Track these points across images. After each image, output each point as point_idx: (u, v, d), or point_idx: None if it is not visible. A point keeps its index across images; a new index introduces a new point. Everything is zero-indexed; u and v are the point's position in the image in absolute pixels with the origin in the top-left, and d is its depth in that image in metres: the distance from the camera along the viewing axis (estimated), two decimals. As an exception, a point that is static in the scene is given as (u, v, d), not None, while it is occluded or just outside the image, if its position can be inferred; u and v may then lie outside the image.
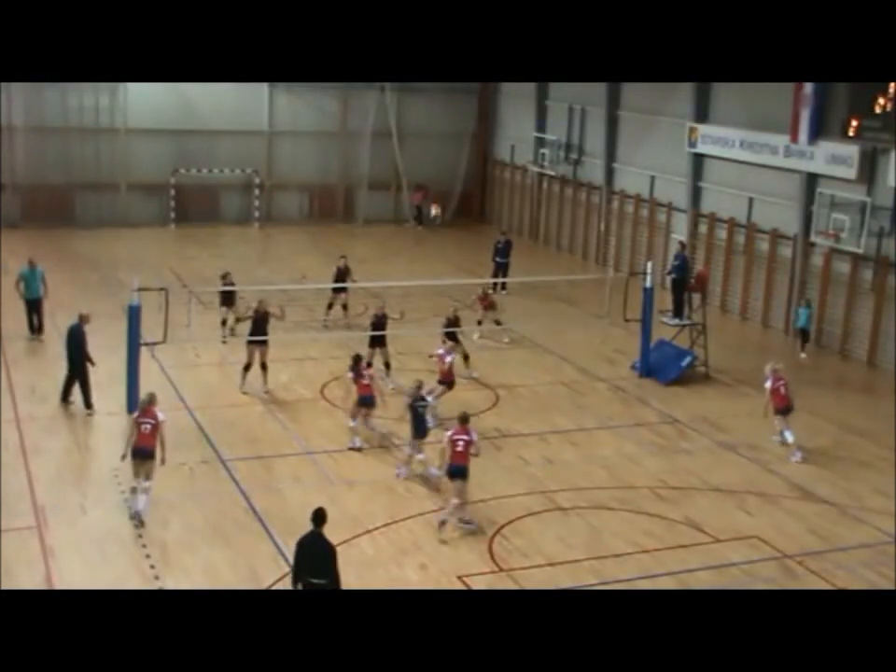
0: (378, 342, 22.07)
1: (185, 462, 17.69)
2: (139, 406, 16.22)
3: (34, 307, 24.21)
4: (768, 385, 19.43)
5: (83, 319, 20.31)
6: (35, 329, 24.14)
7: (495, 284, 29.25)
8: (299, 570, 12.12)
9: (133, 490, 15.66)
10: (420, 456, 17.56)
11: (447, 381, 20.23)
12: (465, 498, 15.82)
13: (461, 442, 15.62)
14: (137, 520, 15.50)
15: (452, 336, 22.67)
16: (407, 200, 41.11)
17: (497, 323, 25.64)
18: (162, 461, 15.80)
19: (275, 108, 39.65)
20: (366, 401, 18.89)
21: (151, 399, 16.02)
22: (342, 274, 26.03)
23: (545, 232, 38.67)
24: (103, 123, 37.38)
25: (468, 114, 41.72)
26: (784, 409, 19.34)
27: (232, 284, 24.27)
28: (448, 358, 20.26)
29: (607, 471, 18.31)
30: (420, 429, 17.62)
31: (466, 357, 22.69)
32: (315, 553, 11.96)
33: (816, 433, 20.68)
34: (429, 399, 18.99)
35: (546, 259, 36.17)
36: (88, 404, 19.95)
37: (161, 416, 15.81)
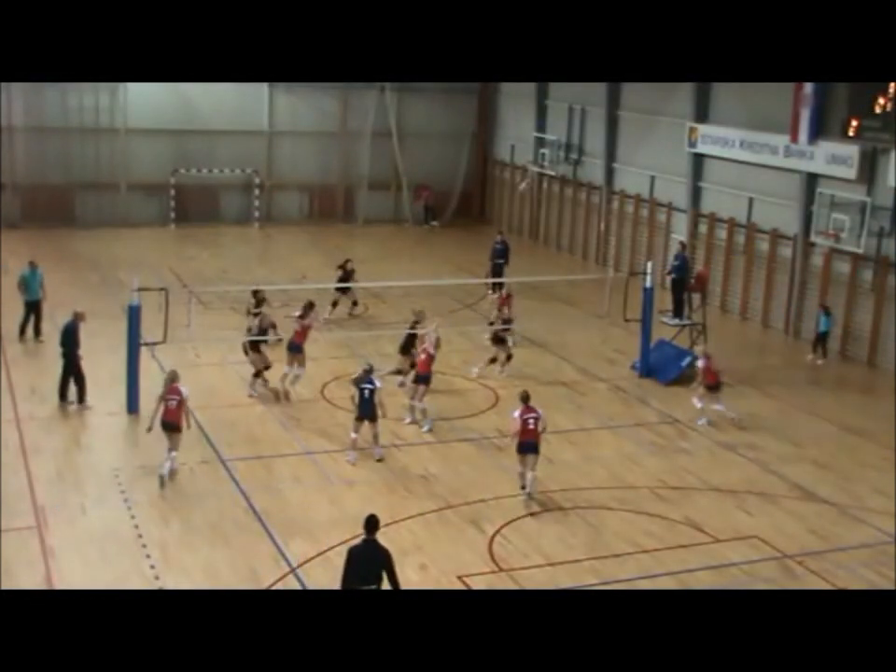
0: (406, 350, 22.22)
1: (185, 462, 17.70)
2: (164, 383, 17.40)
3: (32, 309, 24.22)
4: (700, 363, 20.87)
5: (78, 317, 20.39)
6: (36, 331, 24.13)
7: (494, 284, 29.22)
8: (347, 580, 11.63)
9: (170, 458, 17.08)
10: (353, 435, 18.15)
11: (423, 375, 20.14)
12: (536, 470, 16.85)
13: (531, 420, 16.60)
14: (169, 481, 16.92)
15: (499, 338, 23.07)
16: (410, 201, 41.07)
17: (506, 323, 25.70)
18: (188, 426, 17.36)
19: (275, 108, 39.66)
20: (293, 347, 20.65)
21: (174, 377, 17.35)
22: (346, 276, 26.86)
23: (545, 232, 38.67)
24: (103, 123, 37.39)
25: (468, 114, 41.72)
26: (715, 385, 20.77)
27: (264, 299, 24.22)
28: (431, 349, 20.30)
29: (607, 471, 18.31)
30: (362, 412, 18.05)
31: (509, 358, 23.02)
32: (368, 560, 11.58)
33: (816, 433, 20.71)
34: (419, 405, 19.92)
35: (546, 259, 36.16)
36: (81, 399, 20.05)
37: (184, 392, 17.21)
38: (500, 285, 28.78)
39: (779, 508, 17.19)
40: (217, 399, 21.03)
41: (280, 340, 21.82)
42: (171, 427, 17.04)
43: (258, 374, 21.24)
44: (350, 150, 40.36)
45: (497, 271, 30.15)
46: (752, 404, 22.18)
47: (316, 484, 17.34)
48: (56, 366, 20.64)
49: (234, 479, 17.32)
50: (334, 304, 26.66)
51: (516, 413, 16.89)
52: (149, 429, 17.26)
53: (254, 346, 21.34)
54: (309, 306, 21.08)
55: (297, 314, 21.40)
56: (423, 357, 20.27)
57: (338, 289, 26.66)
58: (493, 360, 22.95)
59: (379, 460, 18.13)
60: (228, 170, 38.92)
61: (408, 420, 20.04)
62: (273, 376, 21.43)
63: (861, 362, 25.63)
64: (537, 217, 39.14)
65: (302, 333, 20.89)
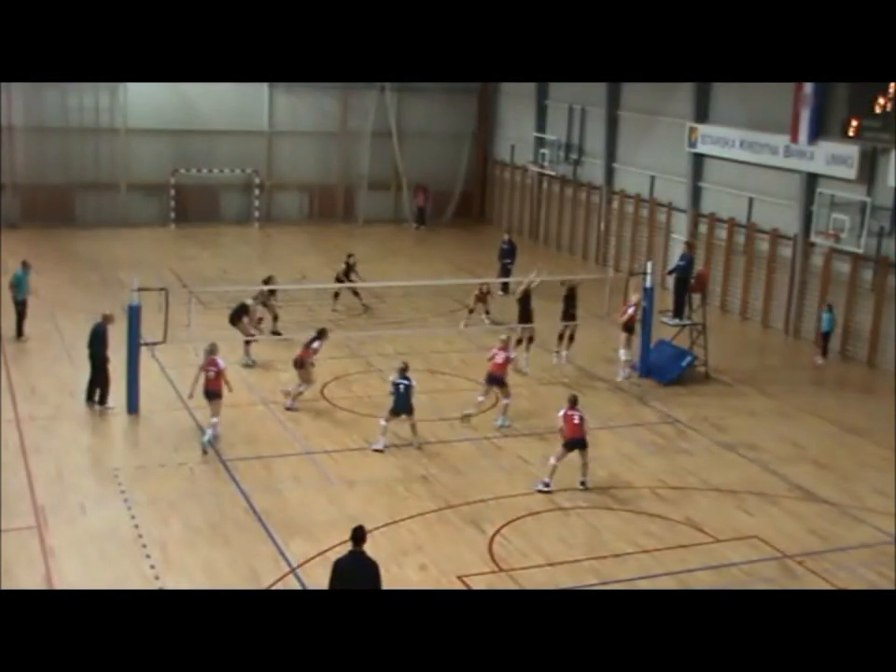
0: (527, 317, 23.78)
1: (185, 462, 17.72)
2: (204, 355, 18.63)
3: (22, 308, 24.24)
4: (634, 300, 22.81)
5: (106, 319, 20.44)
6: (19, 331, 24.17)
7: (504, 284, 29.32)
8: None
9: (212, 425, 18.41)
10: (382, 423, 18.60)
11: (497, 378, 20.05)
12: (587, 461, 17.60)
13: (577, 417, 17.43)
14: (212, 448, 18.15)
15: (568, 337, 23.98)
16: (410, 201, 41.06)
17: (487, 313, 26.60)
18: (230, 390, 18.80)
19: (275, 108, 39.65)
20: (296, 364, 20.64)
21: (213, 350, 18.63)
22: (348, 270, 27.65)
23: (545, 232, 38.66)
24: (103, 123, 37.39)
25: (468, 114, 41.72)
26: (629, 328, 22.77)
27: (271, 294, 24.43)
28: (503, 357, 20.12)
29: (607, 471, 18.31)
30: (397, 406, 18.61)
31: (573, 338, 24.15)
32: (354, 571, 11.37)
33: (816, 433, 20.71)
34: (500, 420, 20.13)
35: (546, 259, 35.98)
36: (103, 401, 20.07)
37: (221, 364, 18.55)
38: (506, 285, 28.95)
39: (779, 508, 17.19)
40: (217, 398, 21.04)
41: (279, 334, 22.62)
42: (211, 394, 18.42)
43: (248, 343, 22.52)
44: (350, 150, 40.36)
45: (504, 271, 30.23)
46: (752, 404, 22.20)
47: (316, 484, 17.33)
48: (56, 366, 20.62)
49: (234, 479, 17.31)
50: (336, 296, 27.51)
51: (561, 413, 17.59)
52: (191, 396, 18.72)
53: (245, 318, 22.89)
54: (322, 333, 20.84)
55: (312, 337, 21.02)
56: (499, 363, 20.12)
57: (341, 283, 27.38)
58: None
59: (418, 448, 18.65)
60: (228, 170, 38.91)
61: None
62: (273, 377, 21.46)
63: (861, 362, 25.63)
64: (537, 217, 39.13)
65: (306, 353, 20.52)
